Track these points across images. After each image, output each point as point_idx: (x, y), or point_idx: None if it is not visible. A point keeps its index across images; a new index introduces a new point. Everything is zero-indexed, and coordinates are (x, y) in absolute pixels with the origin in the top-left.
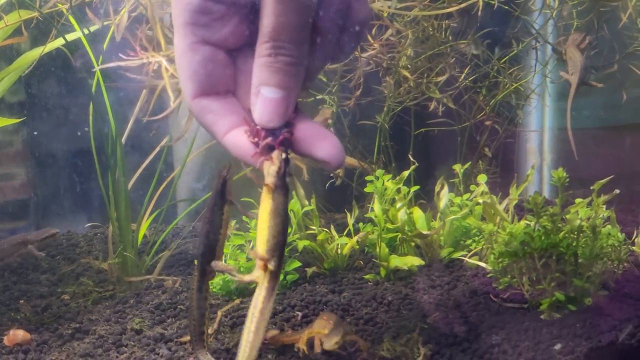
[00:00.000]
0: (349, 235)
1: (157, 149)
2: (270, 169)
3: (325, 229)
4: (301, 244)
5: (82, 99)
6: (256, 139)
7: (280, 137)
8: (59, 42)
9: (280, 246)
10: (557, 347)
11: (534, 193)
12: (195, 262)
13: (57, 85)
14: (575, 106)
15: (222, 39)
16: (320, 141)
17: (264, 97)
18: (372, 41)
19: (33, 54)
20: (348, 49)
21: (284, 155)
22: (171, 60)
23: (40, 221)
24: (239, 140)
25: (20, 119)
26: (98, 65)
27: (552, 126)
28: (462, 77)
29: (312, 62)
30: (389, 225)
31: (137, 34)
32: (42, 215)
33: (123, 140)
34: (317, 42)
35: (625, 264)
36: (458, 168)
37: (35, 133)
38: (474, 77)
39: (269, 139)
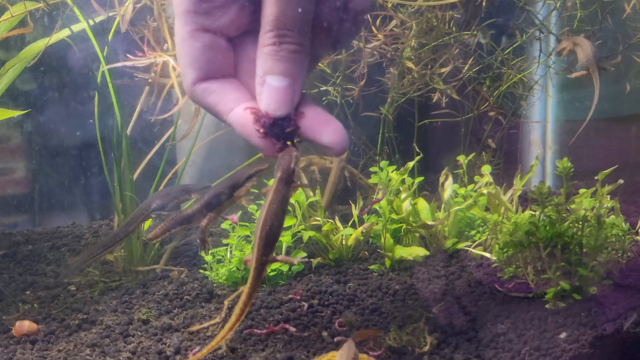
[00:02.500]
0: (353, 226)
1: (162, 140)
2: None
3: (330, 220)
4: (306, 235)
5: (86, 91)
6: (262, 131)
7: (287, 127)
8: (64, 33)
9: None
10: (562, 335)
11: (538, 183)
12: None
13: (61, 78)
14: (578, 97)
15: (222, 27)
16: (325, 127)
17: (270, 86)
18: (376, 32)
19: (38, 45)
20: (348, 37)
21: (295, 153)
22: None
23: (45, 213)
24: (244, 119)
25: (25, 111)
26: (103, 55)
27: (556, 117)
28: (466, 68)
29: (313, 50)
30: (394, 216)
31: (142, 30)
32: (46, 207)
33: (128, 131)
34: (318, 30)
35: (629, 254)
36: (462, 159)
37: (38, 125)
38: (477, 68)
39: (262, 124)
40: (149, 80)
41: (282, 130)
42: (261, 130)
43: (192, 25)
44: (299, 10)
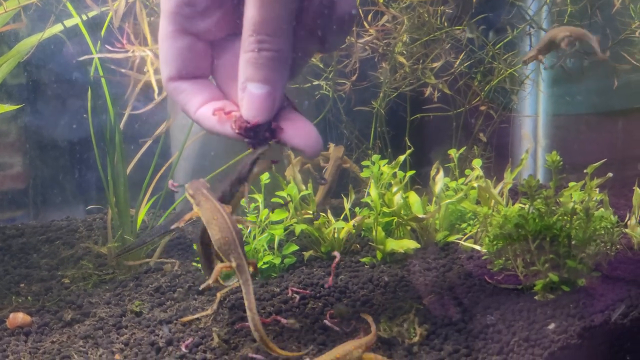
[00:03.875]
0: (345, 219)
1: (155, 134)
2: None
3: (322, 213)
4: (298, 228)
5: (80, 86)
6: (238, 132)
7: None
8: (57, 28)
9: None
10: (551, 326)
11: (528, 176)
12: None
13: (55, 72)
14: (569, 92)
15: (202, 31)
16: (297, 130)
17: (250, 93)
18: (367, 27)
19: (31, 40)
20: (334, 40)
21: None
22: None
23: (40, 207)
24: (208, 115)
25: (18, 106)
26: (96, 51)
27: (546, 111)
28: (457, 63)
29: (298, 54)
30: (385, 209)
31: (132, 26)
32: (41, 202)
33: (121, 125)
34: (302, 33)
35: (617, 246)
36: (453, 153)
37: (32, 120)
38: (469, 63)
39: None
40: (135, 77)
41: (259, 135)
42: (237, 131)
43: (175, 25)
44: (278, 14)
